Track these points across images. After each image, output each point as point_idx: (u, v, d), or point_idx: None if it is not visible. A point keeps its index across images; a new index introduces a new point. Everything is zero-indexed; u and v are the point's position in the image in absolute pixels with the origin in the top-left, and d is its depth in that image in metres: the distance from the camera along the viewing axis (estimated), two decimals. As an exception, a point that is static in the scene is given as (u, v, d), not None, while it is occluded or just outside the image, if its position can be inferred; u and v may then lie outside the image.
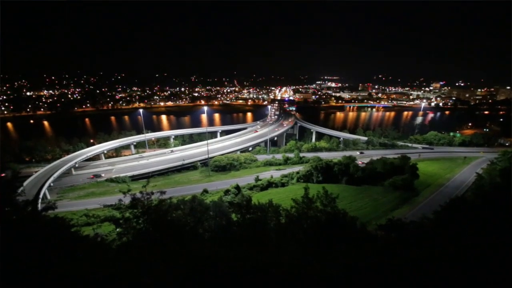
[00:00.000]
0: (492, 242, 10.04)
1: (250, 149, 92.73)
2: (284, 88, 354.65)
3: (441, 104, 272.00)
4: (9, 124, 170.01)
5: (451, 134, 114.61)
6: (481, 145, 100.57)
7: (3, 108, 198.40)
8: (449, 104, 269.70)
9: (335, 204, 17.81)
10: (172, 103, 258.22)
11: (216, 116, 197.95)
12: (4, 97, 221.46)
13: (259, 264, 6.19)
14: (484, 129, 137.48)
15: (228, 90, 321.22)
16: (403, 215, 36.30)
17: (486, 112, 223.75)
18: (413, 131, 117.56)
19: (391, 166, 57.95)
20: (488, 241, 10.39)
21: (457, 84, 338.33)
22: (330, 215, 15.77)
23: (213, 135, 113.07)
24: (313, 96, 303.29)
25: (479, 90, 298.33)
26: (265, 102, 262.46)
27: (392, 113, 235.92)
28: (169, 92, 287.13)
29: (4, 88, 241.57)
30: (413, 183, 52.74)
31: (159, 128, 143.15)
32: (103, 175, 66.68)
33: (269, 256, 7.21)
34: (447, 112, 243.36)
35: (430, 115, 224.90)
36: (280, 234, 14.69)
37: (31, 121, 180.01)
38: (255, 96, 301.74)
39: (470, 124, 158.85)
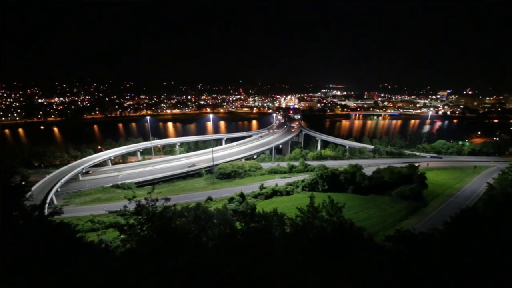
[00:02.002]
0: (504, 255, 9.64)
1: (255, 156, 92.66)
2: (289, 96, 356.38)
3: (448, 112, 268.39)
4: (20, 130, 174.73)
5: (460, 143, 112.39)
6: (492, 154, 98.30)
7: (15, 115, 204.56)
8: (457, 112, 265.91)
9: (341, 213, 17.44)
10: (178, 110, 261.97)
11: (222, 123, 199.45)
12: (17, 104, 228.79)
13: (264, 275, 6.05)
14: (494, 138, 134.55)
15: (234, 98, 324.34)
16: (412, 226, 35.36)
17: (496, 121, 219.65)
18: (421, 139, 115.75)
19: (399, 175, 56.87)
20: (501, 254, 9.98)
21: (464, 92, 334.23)
22: (336, 225, 15.44)
23: (218, 142, 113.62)
24: (318, 104, 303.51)
25: (487, 98, 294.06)
26: (270, 110, 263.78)
27: (399, 122, 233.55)
28: (175, 100, 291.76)
29: (18, 95, 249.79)
30: (421, 193, 51.52)
31: (166, 135, 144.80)
32: (197, 164, 76.04)
33: (273, 267, 7.06)
34: (455, 121, 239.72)
35: (438, 124, 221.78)
36: (285, 243, 14.43)
37: (42, 127, 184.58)
38: (260, 104, 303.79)
39: (479, 132, 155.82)
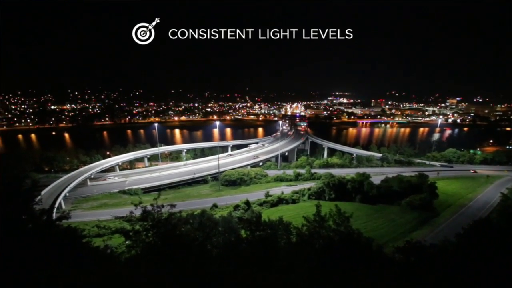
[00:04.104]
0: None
1: (261, 164, 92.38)
2: (295, 104, 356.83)
3: (458, 120, 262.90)
4: (33, 136, 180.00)
5: (471, 151, 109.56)
6: (505, 163, 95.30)
7: (28, 120, 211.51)
8: (467, 120, 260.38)
9: (349, 223, 17.04)
10: (185, 117, 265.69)
11: (228, 130, 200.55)
12: (30, 110, 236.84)
13: (269, 285, 5.92)
14: (507, 147, 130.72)
15: (240, 106, 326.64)
16: (423, 237, 34.32)
17: (508, 129, 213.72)
18: (430, 148, 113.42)
19: (408, 184, 55.59)
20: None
21: (475, 100, 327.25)
22: (343, 235, 15.06)
23: (224, 149, 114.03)
24: (325, 112, 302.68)
25: (499, 105, 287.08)
26: (276, 118, 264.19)
27: (407, 129, 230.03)
28: (183, 107, 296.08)
29: (31, 102, 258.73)
30: (432, 202, 50.16)
31: (173, 142, 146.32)
32: (259, 157, 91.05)
33: (279, 277, 6.89)
34: (465, 129, 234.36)
35: (448, 132, 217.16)
36: (291, 253, 14.16)
37: (53, 133, 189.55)
38: (266, 112, 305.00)
39: (491, 141, 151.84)
